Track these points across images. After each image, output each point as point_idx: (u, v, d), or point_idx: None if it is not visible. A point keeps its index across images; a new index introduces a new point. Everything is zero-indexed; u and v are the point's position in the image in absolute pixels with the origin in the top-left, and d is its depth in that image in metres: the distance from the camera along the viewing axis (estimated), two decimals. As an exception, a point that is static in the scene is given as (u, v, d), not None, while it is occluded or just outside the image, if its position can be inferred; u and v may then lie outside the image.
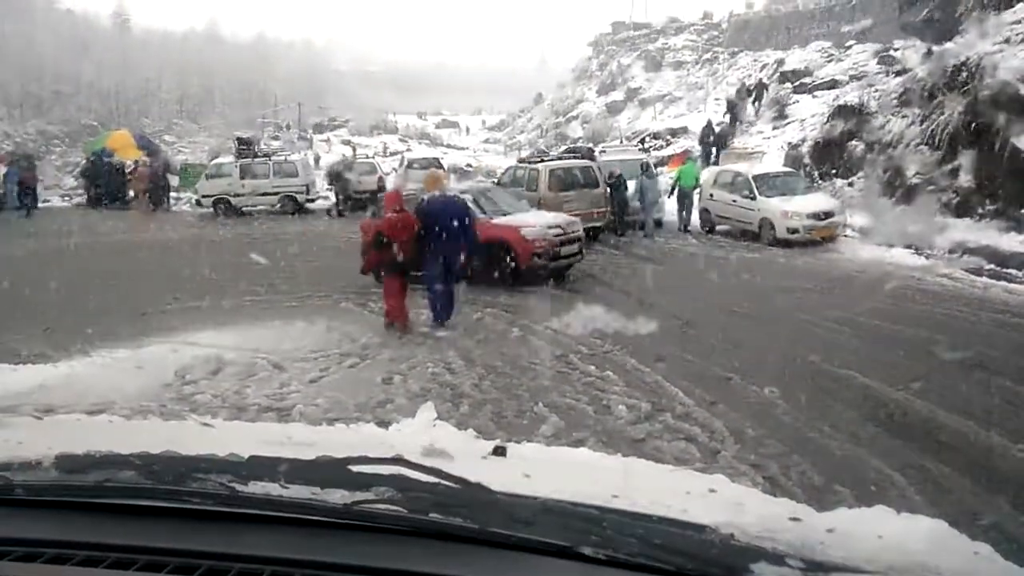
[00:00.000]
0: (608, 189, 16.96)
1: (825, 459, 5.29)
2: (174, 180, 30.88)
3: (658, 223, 17.94)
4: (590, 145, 30.54)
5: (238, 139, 27.96)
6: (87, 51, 61.09)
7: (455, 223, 8.99)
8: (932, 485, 4.82)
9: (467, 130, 65.63)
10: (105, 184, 29.24)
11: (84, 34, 64.84)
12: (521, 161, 20.45)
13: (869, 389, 6.72)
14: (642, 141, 30.90)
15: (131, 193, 29.29)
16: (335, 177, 25.44)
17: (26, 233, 20.85)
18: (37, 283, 12.28)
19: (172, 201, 29.43)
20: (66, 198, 32.41)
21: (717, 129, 26.76)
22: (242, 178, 25.28)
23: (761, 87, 30.38)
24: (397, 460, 1.49)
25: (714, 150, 25.57)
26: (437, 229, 8.92)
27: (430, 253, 9.03)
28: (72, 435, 1.47)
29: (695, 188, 18.32)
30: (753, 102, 29.76)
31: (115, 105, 59.04)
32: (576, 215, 14.80)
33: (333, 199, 25.33)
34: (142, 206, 28.04)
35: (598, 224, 16.41)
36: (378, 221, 9.93)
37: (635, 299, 10.93)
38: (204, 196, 25.83)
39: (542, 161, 17.71)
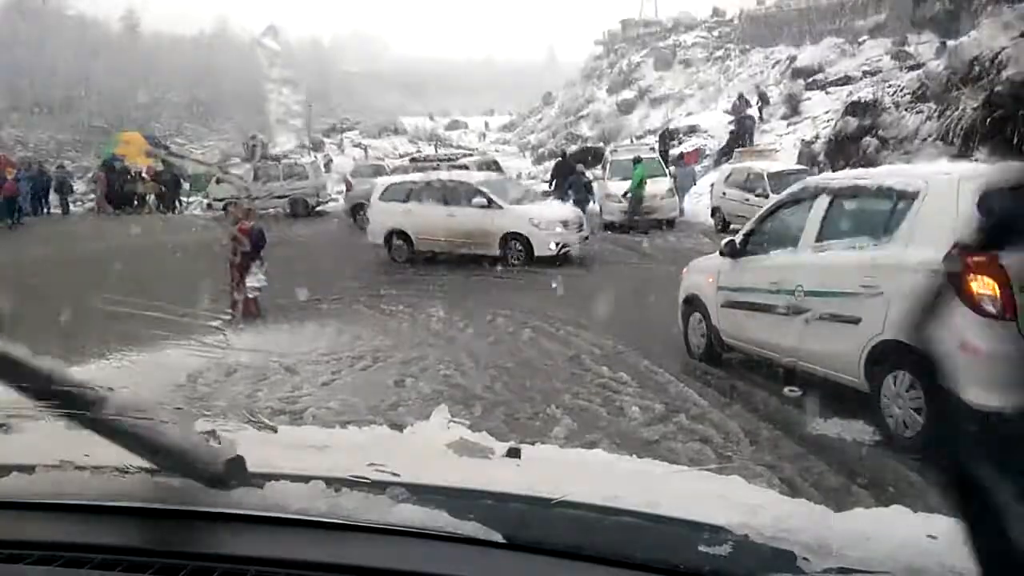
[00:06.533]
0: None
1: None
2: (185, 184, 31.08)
3: (670, 223, 18.90)
4: (599, 146, 30.65)
5: (252, 137, 28.29)
6: (97, 56, 61.52)
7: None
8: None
9: (483, 135, 65.08)
10: (118, 190, 29.40)
11: (94, 39, 65.28)
12: (413, 160, 21.83)
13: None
14: (660, 136, 30.72)
15: (151, 197, 29.46)
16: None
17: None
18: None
19: (183, 204, 29.57)
20: (77, 203, 32.63)
21: (731, 128, 26.64)
22: (254, 181, 25.41)
23: (763, 96, 30.04)
24: (406, 464, 1.48)
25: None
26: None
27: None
28: (85, 438, 1.47)
29: None
30: (759, 108, 29.52)
31: (126, 109, 59.39)
32: None
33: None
34: (153, 210, 28.21)
35: None
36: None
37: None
38: (215, 200, 25.99)
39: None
